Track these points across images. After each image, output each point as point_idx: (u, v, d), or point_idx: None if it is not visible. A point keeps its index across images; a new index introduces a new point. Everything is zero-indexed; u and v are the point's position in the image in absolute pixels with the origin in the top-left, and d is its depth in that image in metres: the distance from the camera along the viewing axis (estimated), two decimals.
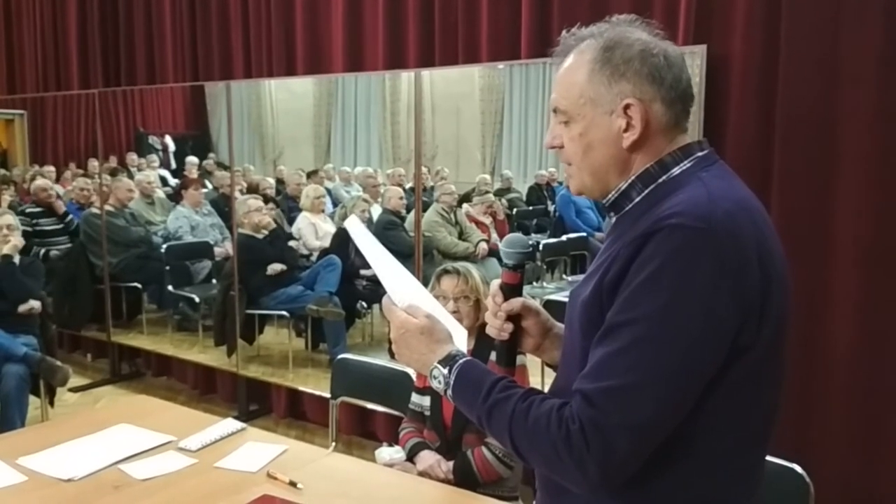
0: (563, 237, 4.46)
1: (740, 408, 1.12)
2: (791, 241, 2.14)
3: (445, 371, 1.25)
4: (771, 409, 1.19)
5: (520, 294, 1.34)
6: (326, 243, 4.95)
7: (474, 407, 1.20)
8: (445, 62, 3.76)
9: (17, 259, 4.15)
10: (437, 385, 1.27)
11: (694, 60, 2.84)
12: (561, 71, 1.22)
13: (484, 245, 4.55)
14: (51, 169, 6.54)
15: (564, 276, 4.49)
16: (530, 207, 4.75)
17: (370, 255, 1.38)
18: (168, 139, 6.42)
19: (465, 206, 4.69)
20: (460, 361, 1.25)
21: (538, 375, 2.34)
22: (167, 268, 5.34)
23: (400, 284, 1.37)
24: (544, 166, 4.67)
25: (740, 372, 1.09)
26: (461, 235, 4.58)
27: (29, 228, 5.39)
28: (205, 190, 5.82)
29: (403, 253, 3.96)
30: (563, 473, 1.13)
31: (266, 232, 4.72)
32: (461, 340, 1.32)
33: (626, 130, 1.16)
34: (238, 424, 2.43)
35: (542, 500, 1.29)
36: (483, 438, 2.46)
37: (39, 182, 5.78)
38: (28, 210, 5.65)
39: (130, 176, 6.00)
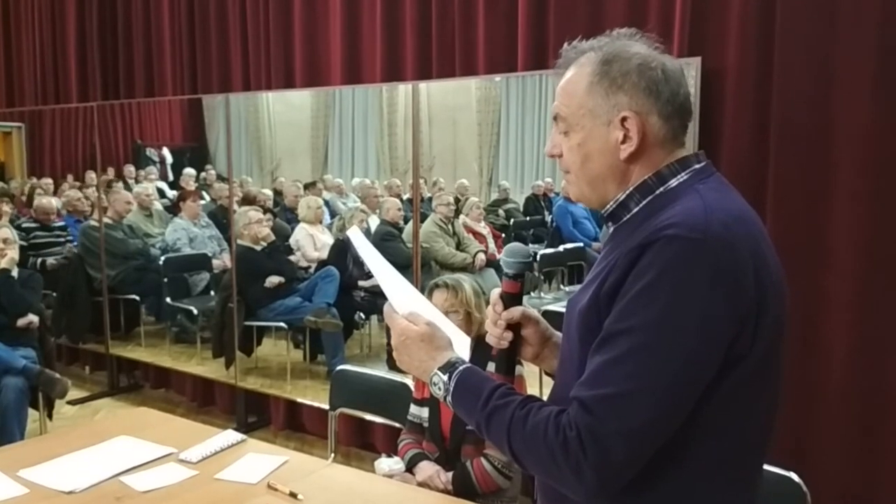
0: (561, 247, 4.47)
1: (736, 415, 1.14)
2: (787, 250, 2.16)
3: (445, 378, 1.26)
4: (767, 417, 1.20)
5: (520, 303, 1.35)
6: (324, 255, 4.96)
7: (473, 413, 1.22)
8: (442, 74, 3.79)
9: (15, 272, 4.16)
10: (437, 392, 1.28)
11: (689, 72, 2.86)
12: (562, 82, 1.24)
13: (482, 256, 4.56)
14: (48, 181, 6.55)
15: (562, 287, 4.50)
16: (527, 218, 4.76)
17: (371, 263, 1.40)
18: (165, 151, 6.44)
19: (462, 216, 4.71)
20: (460, 368, 1.26)
21: (537, 385, 2.35)
22: (165, 280, 5.35)
23: (401, 293, 1.39)
24: (541, 177, 4.69)
25: (736, 380, 1.11)
26: (459, 246, 4.59)
27: (25, 243, 5.37)
28: (202, 202, 5.83)
29: (402, 264, 3.97)
30: (560, 480, 1.14)
31: (265, 244, 4.73)
32: (464, 347, 1.34)
33: (623, 142, 1.18)
34: (238, 436, 2.43)
35: None
36: (482, 449, 2.47)
37: (44, 203, 5.77)
38: (24, 225, 5.65)
39: (128, 188, 6.01)
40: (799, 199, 2.85)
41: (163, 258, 5.41)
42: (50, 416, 4.07)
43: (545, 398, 1.26)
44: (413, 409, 2.67)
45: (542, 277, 4.46)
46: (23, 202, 6.52)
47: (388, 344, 1.38)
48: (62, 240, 5.77)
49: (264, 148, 5.82)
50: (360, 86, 4.34)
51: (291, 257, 5.05)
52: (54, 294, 5.52)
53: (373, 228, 4.84)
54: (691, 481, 1.15)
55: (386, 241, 4.61)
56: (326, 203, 5.51)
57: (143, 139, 6.25)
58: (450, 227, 4.61)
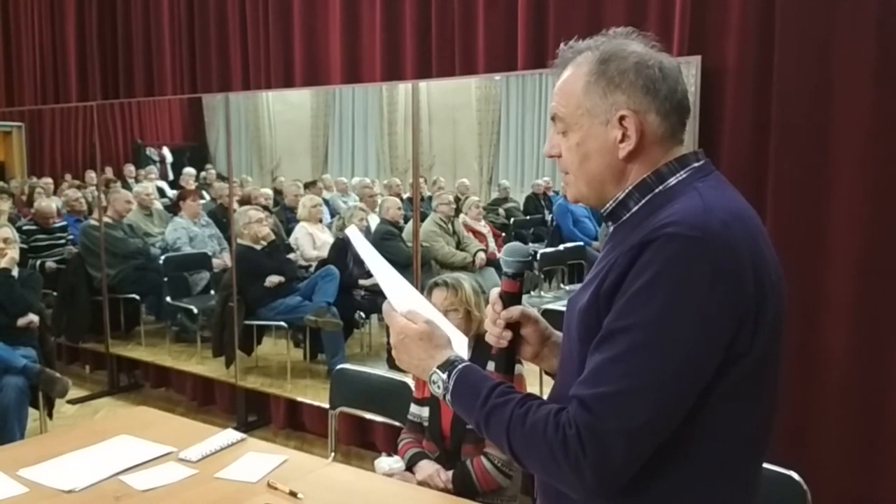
0: (561, 246, 4.48)
1: (736, 414, 1.14)
2: (786, 249, 2.16)
3: (444, 376, 1.26)
4: (766, 416, 1.20)
5: (519, 302, 1.35)
6: (324, 253, 4.96)
7: (473, 412, 1.22)
8: (442, 73, 3.79)
9: (15, 272, 4.16)
10: (436, 390, 1.28)
11: (689, 71, 2.86)
12: (559, 82, 1.24)
13: (482, 255, 4.56)
14: (48, 181, 6.56)
15: (562, 286, 4.50)
16: (528, 217, 4.77)
17: (370, 262, 1.40)
18: (165, 151, 6.44)
19: (462, 215, 4.71)
20: (459, 367, 1.26)
21: (536, 384, 2.35)
22: (165, 279, 5.35)
23: (400, 291, 1.39)
24: (541, 176, 4.69)
25: (735, 378, 1.11)
26: (459, 245, 4.59)
27: (25, 246, 5.36)
28: (202, 201, 5.83)
29: (402, 263, 3.97)
30: (559, 478, 1.14)
31: (265, 243, 4.73)
32: (462, 346, 1.34)
33: (621, 141, 1.18)
34: (238, 435, 2.43)
35: None
36: (482, 448, 2.47)
37: (44, 206, 5.76)
38: (25, 227, 5.65)
39: (128, 187, 6.02)
40: (799, 198, 2.85)
41: (163, 257, 5.41)
42: (50, 416, 4.07)
43: (545, 397, 1.26)
44: (413, 408, 2.67)
45: (542, 276, 4.46)
46: (23, 202, 6.52)
47: (388, 343, 1.38)
48: (62, 241, 5.78)
49: (264, 147, 5.82)
50: (359, 85, 4.34)
51: (290, 256, 5.05)
52: (54, 293, 5.53)
53: (373, 227, 4.84)
54: (690, 480, 1.15)
55: (386, 240, 4.61)
56: (327, 202, 5.51)
57: (142, 138, 6.25)
58: (450, 226, 4.61)
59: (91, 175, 6.03)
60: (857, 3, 2.68)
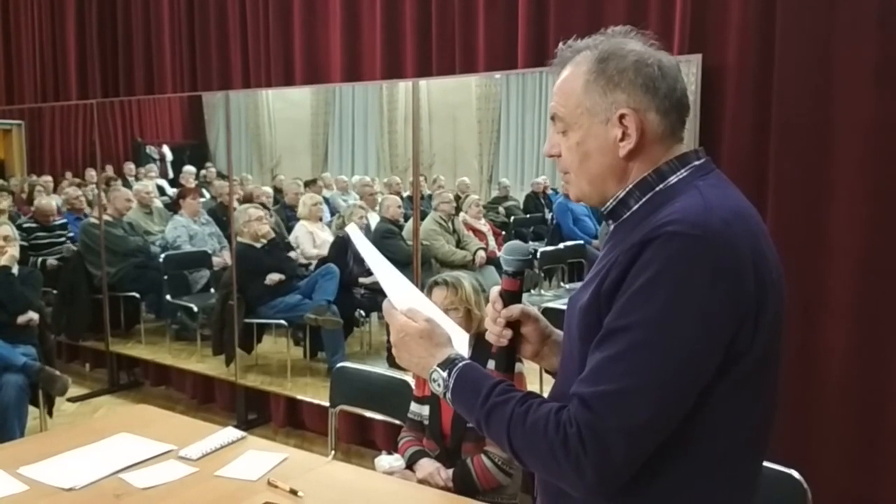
0: (561, 245, 4.48)
1: (736, 412, 1.14)
2: (787, 248, 2.15)
3: (445, 374, 1.26)
4: (767, 414, 1.20)
5: (519, 301, 1.35)
6: (324, 252, 4.96)
7: (473, 410, 1.22)
8: (442, 72, 3.79)
9: (15, 270, 4.16)
10: (436, 388, 1.28)
11: (689, 69, 2.86)
12: (558, 82, 1.24)
13: (482, 253, 4.56)
14: (48, 179, 6.56)
15: (562, 284, 4.51)
16: (528, 215, 4.77)
17: (370, 260, 1.40)
18: (165, 149, 6.45)
19: (462, 214, 4.71)
20: (460, 365, 1.26)
21: (537, 383, 2.35)
22: (165, 277, 5.34)
23: (400, 289, 1.39)
24: (541, 174, 4.69)
25: (736, 377, 1.11)
26: (459, 244, 4.59)
27: (25, 243, 5.35)
28: (202, 199, 5.83)
29: (402, 261, 3.97)
30: (560, 476, 1.14)
31: (265, 241, 4.73)
32: (462, 344, 1.34)
33: (621, 139, 1.18)
34: (238, 433, 2.43)
35: (542, 502, 1.30)
36: (482, 447, 2.47)
37: (44, 204, 5.76)
38: (25, 225, 5.65)
39: (128, 186, 6.02)
40: (799, 197, 2.85)
41: (163, 256, 5.41)
42: (50, 414, 4.07)
43: (545, 396, 1.26)
44: (413, 406, 2.67)
45: (542, 275, 4.47)
46: (22, 199, 6.52)
47: (388, 341, 1.38)
48: (62, 239, 5.78)
49: (264, 145, 5.82)
50: (360, 83, 4.34)
51: (290, 254, 5.05)
52: (54, 291, 5.53)
53: (373, 226, 4.84)
54: (691, 478, 1.15)
55: (386, 238, 4.61)
56: (327, 200, 5.51)
57: (143, 136, 6.25)
58: (450, 224, 4.61)
59: (91, 173, 6.04)
60: (857, 3, 2.68)
